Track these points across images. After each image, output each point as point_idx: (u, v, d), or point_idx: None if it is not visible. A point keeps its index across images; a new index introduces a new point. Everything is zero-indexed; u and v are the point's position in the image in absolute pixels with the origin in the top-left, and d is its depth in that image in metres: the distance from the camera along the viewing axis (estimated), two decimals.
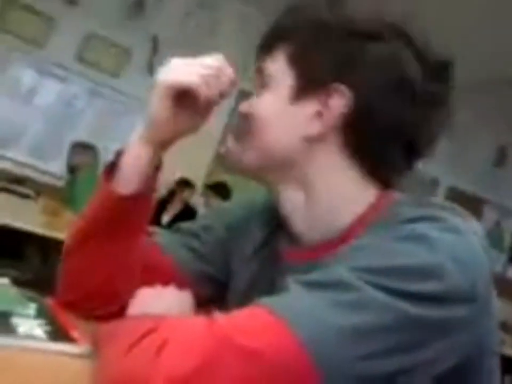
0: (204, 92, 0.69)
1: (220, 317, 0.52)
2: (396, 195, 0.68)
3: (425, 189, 5.68)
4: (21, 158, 4.74)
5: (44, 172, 4.76)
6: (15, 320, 0.66)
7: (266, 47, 0.72)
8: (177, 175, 4.60)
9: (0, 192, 3.56)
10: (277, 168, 0.69)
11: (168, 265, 0.81)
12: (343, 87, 0.65)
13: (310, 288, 0.52)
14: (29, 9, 4.61)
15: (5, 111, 4.71)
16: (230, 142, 0.73)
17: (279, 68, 0.69)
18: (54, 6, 4.68)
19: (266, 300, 0.52)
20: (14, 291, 0.78)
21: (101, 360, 0.56)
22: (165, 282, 0.72)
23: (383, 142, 0.66)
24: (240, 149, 0.71)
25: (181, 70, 0.69)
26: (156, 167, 0.78)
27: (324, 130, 0.66)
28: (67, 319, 0.73)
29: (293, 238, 0.72)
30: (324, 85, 0.66)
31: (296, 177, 0.68)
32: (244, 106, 0.72)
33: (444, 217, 0.57)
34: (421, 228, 0.55)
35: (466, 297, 0.52)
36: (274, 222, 0.77)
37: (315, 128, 0.66)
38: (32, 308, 0.72)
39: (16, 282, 0.82)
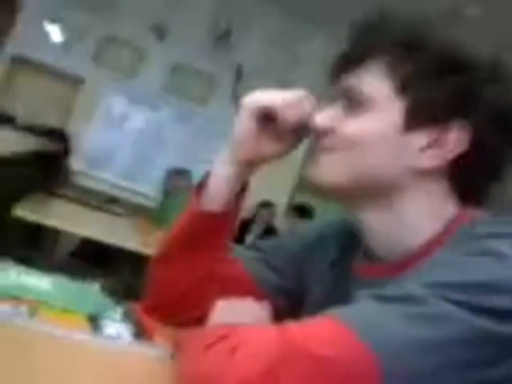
0: (285, 114, 0.72)
1: (291, 325, 0.53)
2: (474, 213, 0.66)
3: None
4: (114, 179, 5.03)
5: (135, 193, 5.01)
6: (102, 322, 0.70)
7: (356, 61, 0.68)
8: (260, 197, 4.69)
9: (96, 211, 3.77)
10: (368, 192, 0.67)
11: (247, 279, 0.83)
12: (461, 125, 0.63)
13: (381, 301, 0.52)
14: (124, 43, 4.94)
15: (99, 136, 5.04)
16: (317, 161, 0.71)
17: (384, 91, 0.65)
18: (146, 40, 4.98)
19: (336, 310, 0.53)
20: (102, 296, 0.83)
21: (180, 361, 0.59)
22: (244, 295, 0.74)
23: (485, 178, 0.68)
24: (330, 168, 0.69)
25: (265, 94, 0.74)
26: (242, 187, 0.81)
27: (436, 165, 0.64)
28: (151, 323, 0.77)
29: (369, 255, 0.71)
30: (441, 118, 0.64)
31: (385, 200, 0.67)
32: (325, 121, 0.70)
33: None
34: (493, 243, 0.54)
35: None
36: (350, 240, 0.77)
37: (426, 161, 0.64)
38: (119, 312, 0.77)
39: (107, 291, 0.88)
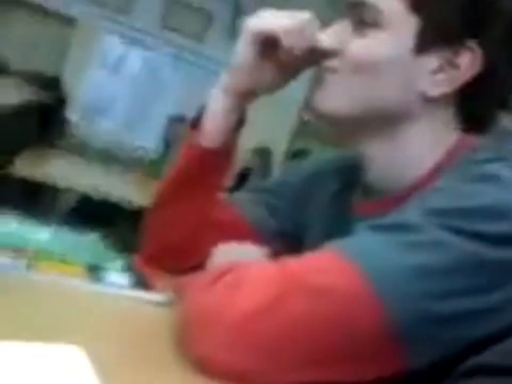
0: (288, 41, 0.67)
1: (290, 260, 0.54)
2: (476, 140, 0.65)
3: None
4: (114, 131, 4.93)
5: (135, 144, 4.95)
6: (102, 272, 0.70)
7: None
8: (257, 143, 4.66)
9: (95, 164, 3.74)
10: (374, 120, 0.65)
11: (244, 224, 0.83)
12: (475, 45, 0.60)
13: (378, 231, 0.52)
14: None
15: (96, 82, 4.87)
16: (322, 85, 0.67)
17: (397, 8, 0.61)
18: None
19: (334, 243, 0.53)
20: (103, 246, 0.83)
21: (182, 303, 0.60)
22: (241, 240, 0.74)
23: (494, 102, 0.66)
24: (335, 92, 0.65)
25: (268, 19, 0.69)
26: (239, 121, 0.79)
27: (448, 91, 0.62)
28: (151, 271, 0.77)
29: (368, 192, 0.71)
30: (454, 39, 0.61)
31: (390, 130, 0.65)
32: (332, 41, 0.66)
33: None
34: (492, 168, 0.53)
35: None
36: (350, 176, 0.76)
37: (438, 86, 0.62)
38: (119, 262, 0.77)
39: (107, 242, 0.88)
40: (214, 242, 0.72)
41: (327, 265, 0.51)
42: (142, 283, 0.71)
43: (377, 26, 0.62)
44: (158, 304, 0.67)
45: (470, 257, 0.48)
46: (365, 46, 0.63)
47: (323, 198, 0.80)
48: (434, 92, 0.62)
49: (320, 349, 0.48)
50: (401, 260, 0.49)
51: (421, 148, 0.65)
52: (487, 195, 0.51)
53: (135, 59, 4.99)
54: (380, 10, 0.62)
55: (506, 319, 0.50)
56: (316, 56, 0.68)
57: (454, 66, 0.61)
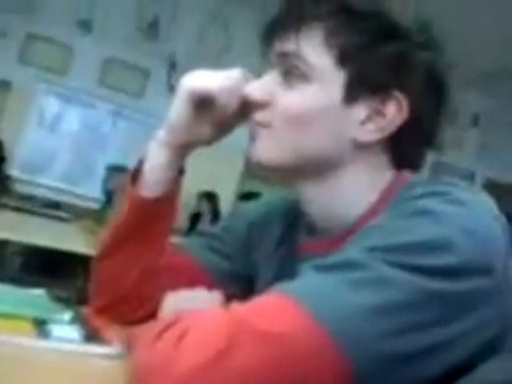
0: (222, 100, 0.70)
1: (238, 306, 0.53)
2: (410, 177, 0.68)
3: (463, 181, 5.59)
4: (54, 183, 4.89)
5: (78, 196, 4.89)
6: (50, 327, 0.68)
7: (293, 26, 0.64)
8: (205, 188, 4.70)
9: (39, 218, 3.66)
10: (308, 167, 0.67)
11: (195, 268, 0.83)
12: (399, 95, 0.63)
13: (322, 270, 0.52)
14: (48, 40, 4.78)
15: (35, 140, 4.88)
16: (257, 141, 0.68)
17: (326, 62, 0.63)
18: (72, 35, 4.83)
19: (280, 286, 0.53)
20: (49, 301, 0.81)
21: (133, 357, 0.58)
22: (192, 285, 0.74)
23: (421, 145, 0.69)
24: (268, 145, 0.66)
25: (203, 77, 0.72)
26: (179, 171, 0.80)
27: (378, 138, 0.65)
28: (101, 323, 0.75)
29: (312, 232, 0.72)
30: (380, 90, 0.64)
31: (325, 175, 0.67)
32: (260, 92, 0.67)
33: (449, 191, 0.56)
34: (425, 203, 0.55)
35: (481, 268, 0.51)
36: (294, 218, 0.78)
37: (368, 134, 0.64)
38: (67, 315, 0.75)
39: (54, 297, 0.85)
40: (167, 288, 0.71)
41: (275, 310, 0.49)
42: (91, 336, 0.70)
43: (306, 79, 0.64)
44: (109, 357, 0.66)
45: (418, 291, 0.48)
46: (295, 99, 0.64)
47: (269, 242, 0.80)
48: (365, 139, 0.65)
49: None
50: (349, 299, 0.48)
51: (356, 189, 0.67)
52: (424, 230, 0.52)
53: (74, 116, 5.05)
54: (310, 64, 0.63)
55: (466, 352, 0.51)
56: (248, 109, 0.70)
57: (382, 115, 0.64)
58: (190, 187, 4.90)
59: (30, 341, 0.63)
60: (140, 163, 0.79)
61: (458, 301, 0.50)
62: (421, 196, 0.57)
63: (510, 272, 0.55)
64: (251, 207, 0.92)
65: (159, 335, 0.52)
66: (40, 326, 0.68)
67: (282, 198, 0.84)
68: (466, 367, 0.51)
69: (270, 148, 0.67)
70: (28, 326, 0.67)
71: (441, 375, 0.50)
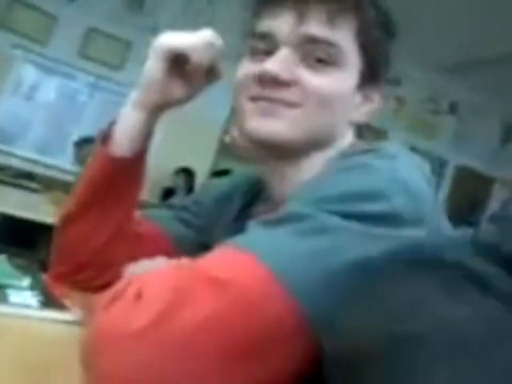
0: (196, 56, 0.71)
1: (187, 261, 0.54)
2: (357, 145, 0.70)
3: (434, 169, 5.67)
4: (27, 154, 4.80)
5: (50, 167, 4.82)
6: (8, 292, 0.68)
7: (325, 11, 0.65)
8: (180, 164, 4.68)
9: (11, 187, 3.61)
10: (315, 145, 0.68)
11: (161, 237, 0.83)
12: (383, 84, 0.71)
13: (270, 225, 0.54)
14: (31, 7, 4.65)
15: (9, 108, 4.78)
16: (279, 119, 0.66)
17: (354, 51, 0.67)
18: (55, 3, 4.71)
19: (229, 241, 0.54)
20: (9, 266, 0.80)
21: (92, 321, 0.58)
22: (158, 254, 0.74)
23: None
24: (296, 124, 0.66)
25: (176, 36, 0.73)
26: (148, 133, 0.79)
27: (367, 120, 0.71)
28: (61, 290, 0.75)
29: (267, 203, 0.73)
30: (375, 78, 0.70)
31: (318, 151, 0.69)
32: (286, 71, 0.65)
33: (381, 147, 0.61)
34: (360, 158, 0.59)
35: (413, 217, 0.54)
36: (253, 194, 0.80)
37: (362, 116, 0.71)
38: (26, 281, 0.75)
39: (14, 262, 0.84)
40: (132, 256, 0.70)
41: (227, 260, 0.51)
42: (50, 302, 0.69)
43: (334, 64, 0.66)
44: (66, 323, 0.66)
45: (356, 235, 0.51)
46: (327, 82, 0.66)
47: (227, 217, 0.81)
48: (359, 120, 0.71)
49: (235, 344, 0.47)
50: (294, 245, 0.51)
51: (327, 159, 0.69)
52: (359, 181, 0.55)
53: (51, 87, 4.93)
54: (343, 52, 0.66)
55: None
56: (218, 76, 0.74)
57: (372, 101, 0.71)
58: (167, 163, 4.92)
59: None
60: (111, 125, 0.79)
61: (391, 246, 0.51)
62: (358, 153, 0.61)
63: (439, 227, 0.57)
64: (218, 182, 0.93)
65: (114, 298, 0.52)
66: None
67: (247, 176, 0.85)
68: None
69: (297, 126, 0.66)
70: None
71: None
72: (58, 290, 0.75)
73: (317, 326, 0.48)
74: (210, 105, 3.69)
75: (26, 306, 0.66)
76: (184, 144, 4.75)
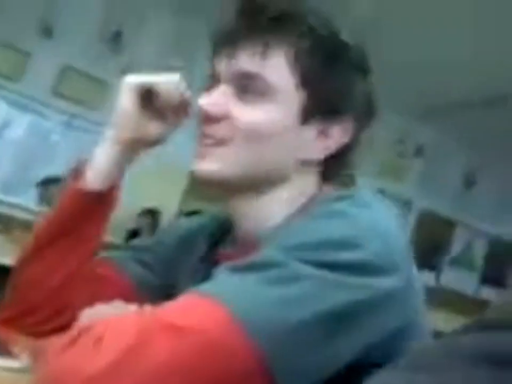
0: (165, 91, 0.72)
1: (150, 308, 0.54)
2: (329, 189, 0.70)
3: (400, 212, 5.75)
4: None
5: (13, 206, 4.71)
6: None
7: (254, 45, 0.65)
8: (146, 204, 4.64)
9: None
10: (256, 182, 0.68)
11: (120, 280, 0.81)
12: (346, 119, 0.67)
13: (239, 271, 0.53)
14: (5, 44, 4.62)
15: None
16: (209, 153, 0.67)
17: (286, 83, 0.65)
18: (30, 40, 4.69)
19: (195, 288, 0.54)
20: None
21: (42, 366, 0.56)
22: (117, 296, 0.71)
23: (348, 164, 0.72)
24: (226, 161, 0.66)
25: (144, 75, 0.75)
26: (121, 170, 0.79)
27: (323, 157, 0.68)
28: (9, 335, 0.71)
29: (234, 245, 0.73)
30: (331, 113, 0.67)
31: (267, 188, 0.68)
32: (216, 106, 0.66)
33: (357, 195, 0.61)
34: (336, 205, 0.59)
35: (388, 266, 0.54)
36: (221, 236, 0.78)
37: (315, 152, 0.67)
38: None
39: None
40: (89, 299, 0.67)
41: (188, 307, 0.51)
42: None
43: (267, 98, 0.65)
44: (15, 370, 0.62)
45: (327, 285, 0.50)
46: (255, 114, 0.65)
47: (192, 259, 0.80)
48: (312, 157, 0.68)
49: None
50: (261, 293, 0.50)
51: (286, 202, 0.69)
52: (334, 229, 0.55)
53: (22, 124, 4.84)
54: (273, 85, 0.65)
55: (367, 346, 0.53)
56: (188, 113, 0.73)
57: (329, 136, 0.67)
58: (132, 204, 4.86)
59: None
60: (82, 162, 0.78)
61: (366, 295, 0.52)
62: (332, 200, 0.61)
63: (413, 273, 0.58)
64: (183, 223, 0.92)
65: (72, 342, 0.51)
66: None
67: (214, 217, 0.84)
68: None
69: (225, 163, 0.66)
70: None
71: (349, 365, 0.52)
72: (6, 336, 0.71)
73: (273, 368, 0.48)
74: (177, 144, 3.69)
75: None
76: (150, 185, 4.72)
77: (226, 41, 0.67)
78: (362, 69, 0.70)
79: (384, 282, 0.53)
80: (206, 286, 0.53)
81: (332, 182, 0.71)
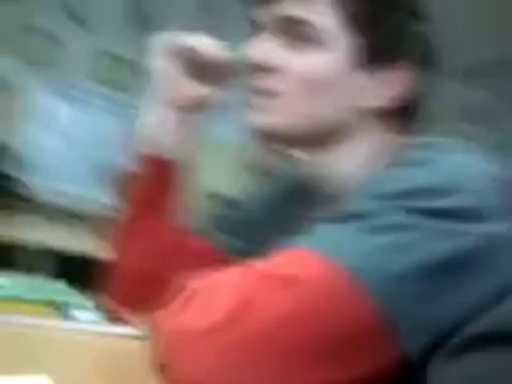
0: (204, 51, 0.72)
1: (254, 263, 0.52)
2: (403, 140, 0.67)
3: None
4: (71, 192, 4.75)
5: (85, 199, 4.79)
6: (75, 311, 0.69)
7: None
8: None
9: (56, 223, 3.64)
10: (321, 135, 0.66)
11: (209, 249, 0.82)
12: (404, 65, 0.64)
13: (337, 222, 0.52)
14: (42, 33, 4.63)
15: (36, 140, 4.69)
16: (265, 110, 0.66)
17: (333, 27, 0.63)
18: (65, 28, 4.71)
19: (293, 241, 0.52)
20: (71, 290, 0.81)
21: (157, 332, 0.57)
22: (208, 265, 0.73)
23: (415, 115, 0.69)
24: (283, 113, 0.65)
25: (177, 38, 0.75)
26: (185, 134, 0.79)
27: (380, 104, 0.65)
28: (125, 310, 0.76)
29: (315, 202, 0.72)
30: (385, 58, 0.64)
31: (332, 142, 0.67)
32: (268, 58, 0.64)
33: (439, 142, 0.59)
34: (421, 153, 0.57)
35: (481, 213, 0.51)
36: (300, 193, 0.77)
37: (372, 100, 0.65)
38: (90, 303, 0.76)
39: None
40: (185, 272, 0.71)
41: (293, 258, 0.49)
42: (116, 319, 0.70)
43: (316, 44, 0.63)
44: (135, 338, 0.66)
45: (432, 232, 0.49)
46: (309, 64, 0.64)
47: (280, 221, 0.79)
48: (369, 105, 0.65)
49: (313, 342, 0.46)
50: (367, 241, 0.48)
51: (359, 156, 0.67)
52: (424, 177, 0.53)
53: (68, 113, 4.84)
54: (321, 30, 0.63)
55: (476, 298, 0.49)
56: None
57: (385, 83, 0.64)
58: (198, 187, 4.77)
59: (56, 322, 0.64)
60: (139, 143, 0.78)
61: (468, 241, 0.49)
62: (413, 148, 0.59)
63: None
64: (263, 190, 0.91)
65: (185, 302, 0.52)
66: (62, 310, 0.68)
67: (290, 177, 0.83)
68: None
69: (284, 116, 0.65)
70: (52, 311, 0.68)
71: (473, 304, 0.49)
72: (122, 310, 0.76)
73: (394, 322, 0.47)
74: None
75: (96, 322, 0.67)
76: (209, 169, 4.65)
77: None
78: (415, 13, 0.66)
79: (484, 228, 0.50)
80: (307, 239, 0.52)
81: (405, 132, 0.68)
